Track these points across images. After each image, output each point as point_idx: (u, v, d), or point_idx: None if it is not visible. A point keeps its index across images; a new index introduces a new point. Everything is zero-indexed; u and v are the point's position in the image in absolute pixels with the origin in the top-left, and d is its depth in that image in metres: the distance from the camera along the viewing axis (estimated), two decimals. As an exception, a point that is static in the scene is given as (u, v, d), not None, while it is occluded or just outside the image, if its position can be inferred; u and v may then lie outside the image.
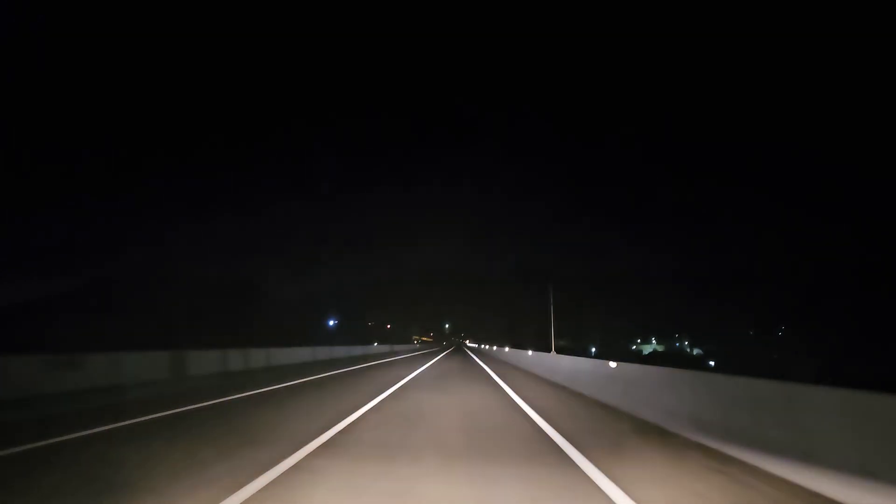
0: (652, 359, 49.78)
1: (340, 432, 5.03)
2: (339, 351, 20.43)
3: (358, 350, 28.36)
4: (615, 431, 5.21)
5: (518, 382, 10.76)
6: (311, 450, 4.34)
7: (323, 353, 18.25)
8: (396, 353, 32.27)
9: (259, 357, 12.69)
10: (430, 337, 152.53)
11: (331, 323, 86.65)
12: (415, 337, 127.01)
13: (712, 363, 43.91)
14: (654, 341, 76.21)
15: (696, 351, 67.73)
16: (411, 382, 10.82)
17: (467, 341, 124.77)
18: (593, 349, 65.38)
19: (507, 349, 22.90)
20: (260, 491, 3.24)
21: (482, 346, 60.36)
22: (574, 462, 3.91)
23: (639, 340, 79.98)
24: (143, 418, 6.05)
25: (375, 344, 40.37)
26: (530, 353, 13.97)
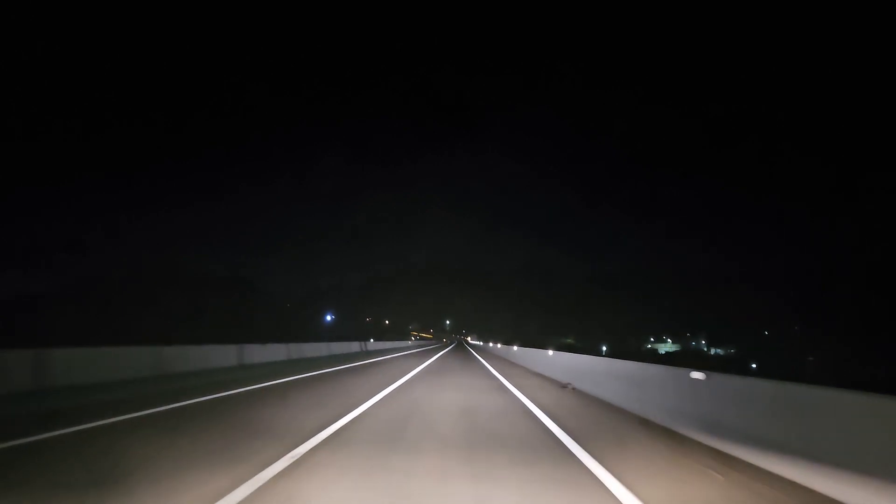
0: (674, 360, 45.81)
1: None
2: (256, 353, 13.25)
3: (310, 350, 18.90)
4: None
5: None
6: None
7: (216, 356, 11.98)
8: (372, 355, 21.48)
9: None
10: (429, 333, 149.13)
11: (328, 318, 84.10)
12: (413, 333, 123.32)
13: (754, 365, 40.07)
14: (669, 341, 72.56)
15: (713, 351, 64.03)
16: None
17: (469, 338, 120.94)
18: (604, 348, 61.81)
19: (550, 352, 13.22)
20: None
21: (490, 343, 45.23)
22: None
23: (652, 339, 76.39)
24: None
25: (372, 340, 36.58)
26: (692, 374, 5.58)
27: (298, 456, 3.66)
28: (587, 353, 12.59)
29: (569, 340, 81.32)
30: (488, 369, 14.01)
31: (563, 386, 8.92)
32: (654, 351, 63.88)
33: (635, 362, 6.61)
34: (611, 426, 5.35)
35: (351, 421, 5.13)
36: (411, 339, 75.60)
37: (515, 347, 21.48)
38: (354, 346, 24.66)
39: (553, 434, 4.76)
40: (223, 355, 12.22)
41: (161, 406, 5.81)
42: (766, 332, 77.27)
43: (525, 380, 10.46)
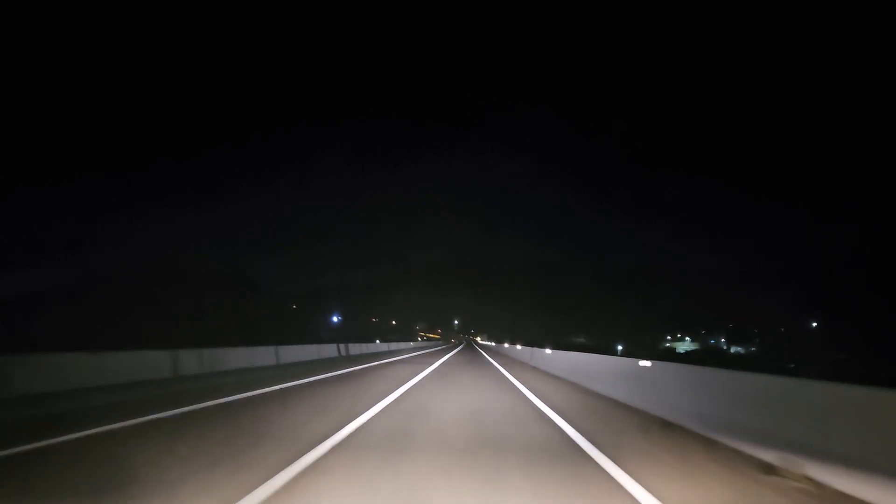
0: (697, 360, 43.02)
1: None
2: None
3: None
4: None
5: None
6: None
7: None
8: (348, 363, 15.69)
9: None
10: (437, 333, 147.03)
11: (334, 319, 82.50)
12: (420, 333, 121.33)
13: (793, 366, 37.56)
14: (687, 339, 69.76)
15: (734, 349, 61.32)
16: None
17: (478, 338, 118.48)
18: (619, 347, 59.38)
19: (647, 363, 6.17)
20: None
21: (506, 345, 36.33)
22: None
23: (668, 338, 73.69)
24: None
25: (377, 341, 34.59)
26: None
27: None
28: (598, 354, 9.23)
29: (580, 339, 78.86)
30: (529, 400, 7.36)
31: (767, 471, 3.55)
32: (672, 350, 61.32)
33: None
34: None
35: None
36: (417, 340, 73.29)
37: (548, 351, 14.53)
38: (328, 351, 18.17)
39: None
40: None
41: None
42: (783, 329, 74.71)
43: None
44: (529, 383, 9.92)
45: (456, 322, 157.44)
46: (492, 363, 18.10)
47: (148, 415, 5.67)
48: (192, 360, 10.28)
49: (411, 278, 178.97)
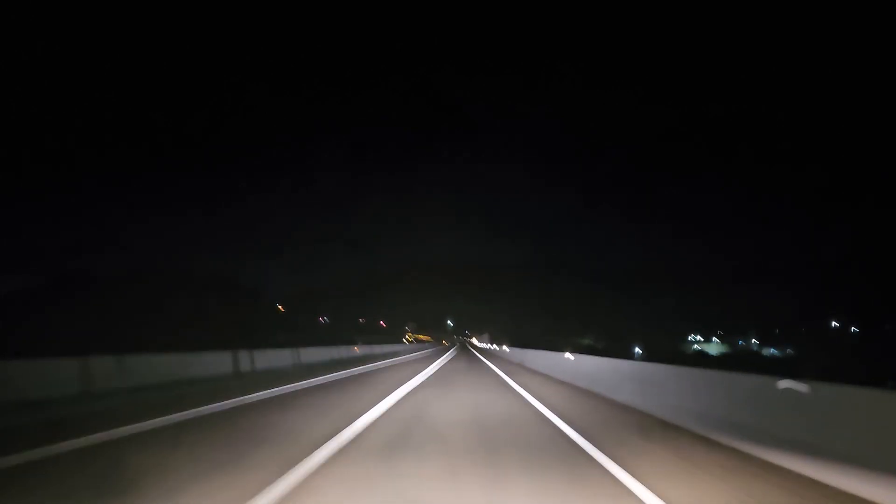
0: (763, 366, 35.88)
1: None
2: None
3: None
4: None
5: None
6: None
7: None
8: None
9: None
10: (427, 336, 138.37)
11: (322, 320, 75.87)
12: (409, 335, 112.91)
13: None
14: (715, 340, 63.44)
15: (769, 352, 55.08)
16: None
17: (473, 339, 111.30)
18: (637, 350, 52.84)
19: None
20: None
21: (551, 354, 22.69)
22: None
23: (690, 339, 67.24)
24: None
25: (358, 345, 27.49)
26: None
27: None
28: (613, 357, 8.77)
29: (586, 341, 72.27)
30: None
31: None
32: (703, 353, 54.82)
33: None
34: None
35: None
36: (402, 342, 64.83)
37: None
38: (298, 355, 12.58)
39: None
40: None
41: None
42: (802, 329, 70.23)
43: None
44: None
45: (449, 322, 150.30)
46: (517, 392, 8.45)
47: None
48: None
49: (408, 279, 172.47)
